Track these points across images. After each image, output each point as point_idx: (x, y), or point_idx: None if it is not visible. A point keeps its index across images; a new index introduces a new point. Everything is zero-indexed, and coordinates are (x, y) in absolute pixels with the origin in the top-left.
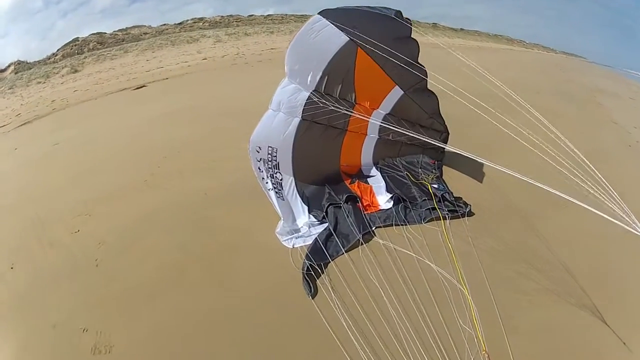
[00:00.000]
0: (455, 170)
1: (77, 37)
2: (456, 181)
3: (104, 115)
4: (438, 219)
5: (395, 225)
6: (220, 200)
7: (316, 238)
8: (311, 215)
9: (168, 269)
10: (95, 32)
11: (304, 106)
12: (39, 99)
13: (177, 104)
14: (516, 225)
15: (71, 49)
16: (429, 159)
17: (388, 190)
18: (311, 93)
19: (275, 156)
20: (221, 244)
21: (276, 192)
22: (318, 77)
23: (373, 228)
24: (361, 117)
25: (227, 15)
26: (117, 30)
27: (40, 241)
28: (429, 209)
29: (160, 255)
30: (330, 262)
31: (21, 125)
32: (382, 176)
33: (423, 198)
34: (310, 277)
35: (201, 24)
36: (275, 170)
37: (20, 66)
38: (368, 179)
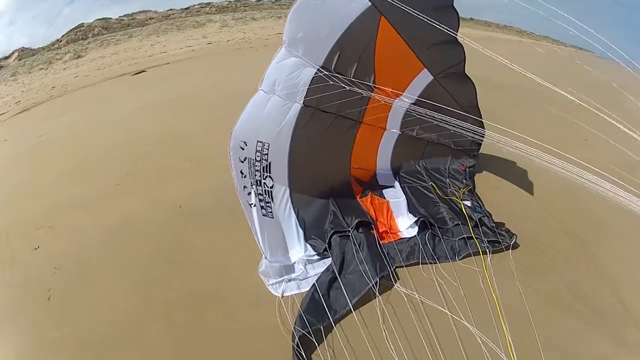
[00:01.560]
0: (490, 175)
1: (82, 23)
2: (490, 193)
3: (98, 103)
4: (476, 253)
5: (421, 263)
6: (196, 218)
7: (315, 285)
8: (309, 245)
9: (123, 319)
10: (100, 17)
11: (308, 86)
12: (40, 85)
13: (174, 91)
14: (577, 260)
15: (75, 34)
16: (459, 164)
17: (411, 209)
18: (318, 69)
19: (267, 154)
20: (190, 290)
21: (262, 207)
22: (328, 51)
23: (393, 268)
24: (382, 99)
25: (235, 0)
26: (122, 16)
27: (2, 257)
28: (463, 238)
29: (116, 297)
30: (332, 323)
31: (18, 113)
32: (402, 188)
33: (455, 222)
34: (303, 352)
35: (208, 8)
36: (265, 174)
37: (24, 53)
38: (384, 192)
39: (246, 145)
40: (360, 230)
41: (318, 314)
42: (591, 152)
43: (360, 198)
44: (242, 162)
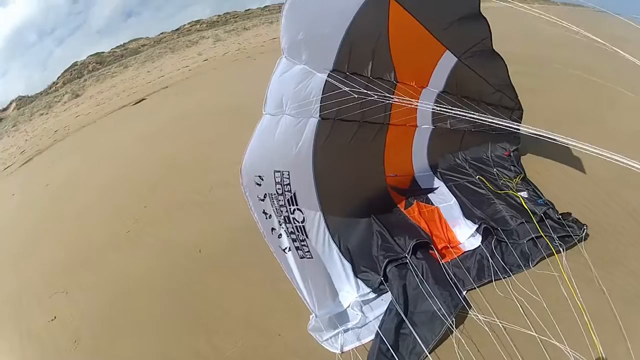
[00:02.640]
0: (536, 158)
1: (76, 62)
2: (545, 178)
3: (100, 140)
4: (550, 254)
5: (495, 280)
6: (219, 265)
7: (379, 333)
8: (360, 282)
9: None
10: (93, 53)
11: (322, 96)
12: (42, 131)
13: (173, 115)
14: None
15: (71, 74)
16: (502, 149)
17: (466, 214)
18: (330, 74)
19: (288, 184)
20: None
21: (297, 249)
22: (336, 50)
23: (464, 293)
24: (407, 102)
25: (224, 14)
26: (114, 48)
27: (19, 328)
28: (532, 239)
29: None
30: None
31: (24, 163)
32: (449, 188)
33: (518, 220)
34: None
35: (198, 26)
36: (292, 208)
37: (22, 101)
38: (430, 197)
39: (262, 179)
40: (419, 254)
41: None
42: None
43: (405, 209)
44: (262, 200)
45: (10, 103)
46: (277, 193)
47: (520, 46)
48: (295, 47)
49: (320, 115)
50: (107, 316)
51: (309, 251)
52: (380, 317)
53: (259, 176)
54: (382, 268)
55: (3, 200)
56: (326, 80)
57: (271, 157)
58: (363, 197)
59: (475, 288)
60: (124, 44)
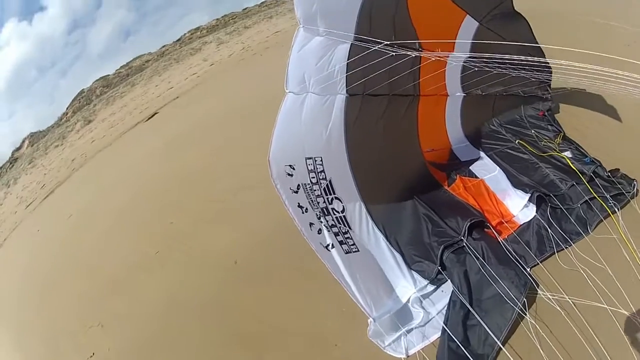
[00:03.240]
0: (570, 115)
1: (82, 89)
2: (583, 134)
3: (117, 162)
4: (606, 216)
5: (557, 251)
6: (257, 275)
7: (445, 330)
8: (415, 274)
9: None
10: (98, 78)
11: (347, 70)
12: (60, 162)
13: (186, 125)
14: None
15: (79, 102)
16: (535, 110)
17: (514, 183)
18: (353, 42)
19: (322, 171)
20: None
21: (342, 243)
22: (356, 18)
23: (529, 270)
24: (435, 57)
25: (222, 16)
26: (119, 68)
27: None
28: (586, 202)
29: None
30: None
31: (45, 197)
32: (490, 157)
33: (568, 183)
34: None
35: (199, 33)
36: (329, 197)
37: (35, 137)
38: (473, 169)
39: (294, 169)
40: (475, 235)
41: None
42: None
43: (449, 187)
44: (296, 192)
45: (23, 141)
46: (312, 182)
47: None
48: (311, 18)
49: (347, 91)
50: (147, 347)
51: (354, 244)
52: (444, 312)
53: (290, 165)
54: (438, 256)
55: (28, 238)
56: (350, 47)
57: (301, 143)
58: (402, 177)
59: (538, 263)
60: (127, 63)
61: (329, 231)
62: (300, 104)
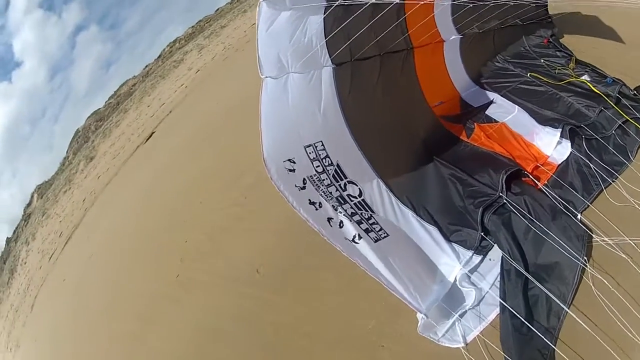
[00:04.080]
0: (576, 37)
1: (78, 129)
2: (595, 54)
3: (125, 191)
4: None
5: (604, 187)
6: (285, 279)
7: (504, 307)
8: (458, 246)
9: None
10: (90, 114)
11: (326, 37)
12: (72, 206)
13: (184, 136)
14: None
15: (77, 142)
16: (538, 38)
17: (539, 120)
18: (327, 4)
19: (327, 156)
20: None
21: (368, 231)
22: None
23: (579, 217)
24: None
25: (197, 23)
26: (108, 99)
27: None
28: (619, 127)
29: None
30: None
31: (65, 244)
32: (505, 96)
33: (595, 109)
34: None
35: (178, 44)
36: (342, 183)
37: (42, 189)
38: (490, 114)
39: (294, 162)
40: (514, 188)
41: (533, 347)
42: None
43: (468, 138)
44: (303, 188)
45: (32, 196)
46: (318, 172)
47: None
48: None
49: (332, 61)
50: None
51: (381, 229)
52: (498, 284)
53: (289, 159)
54: (478, 220)
55: (56, 289)
56: (324, 11)
57: (295, 131)
58: (416, 140)
59: (589, 205)
60: (115, 92)
61: (351, 221)
62: (283, 88)
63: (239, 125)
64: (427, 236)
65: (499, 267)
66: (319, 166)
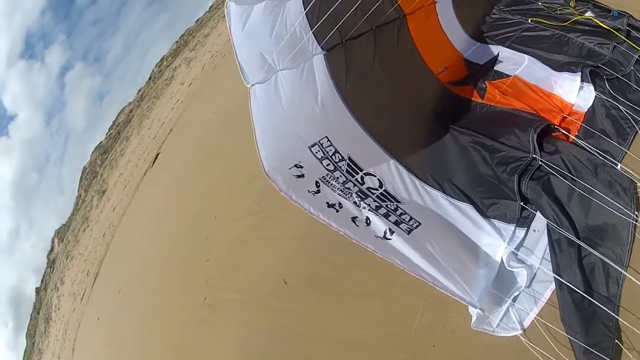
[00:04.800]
0: None
1: (84, 166)
2: None
3: (141, 219)
4: None
5: (639, 129)
6: (315, 286)
7: (558, 281)
8: (497, 222)
9: None
10: (93, 149)
11: (310, 22)
12: (93, 243)
13: (190, 150)
14: None
15: (86, 179)
16: None
17: (553, 66)
18: None
19: (336, 152)
20: None
21: (398, 223)
22: None
23: (618, 167)
24: None
25: (180, 37)
26: (108, 131)
27: None
28: (637, 61)
29: None
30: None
31: (93, 282)
32: (510, 47)
33: (609, 46)
34: None
35: (165, 62)
36: (358, 177)
37: (61, 232)
38: (498, 69)
39: (301, 166)
40: (547, 147)
41: (597, 322)
42: None
43: (483, 99)
44: (317, 192)
45: (52, 241)
46: (330, 171)
47: None
48: None
49: (322, 47)
50: None
51: (411, 219)
52: (548, 257)
53: (296, 165)
54: (515, 189)
55: (93, 329)
56: None
57: (295, 133)
58: (427, 112)
59: (626, 152)
60: (113, 122)
61: (378, 216)
62: (274, 90)
63: (238, 131)
64: (462, 217)
65: (546, 237)
66: (329, 164)
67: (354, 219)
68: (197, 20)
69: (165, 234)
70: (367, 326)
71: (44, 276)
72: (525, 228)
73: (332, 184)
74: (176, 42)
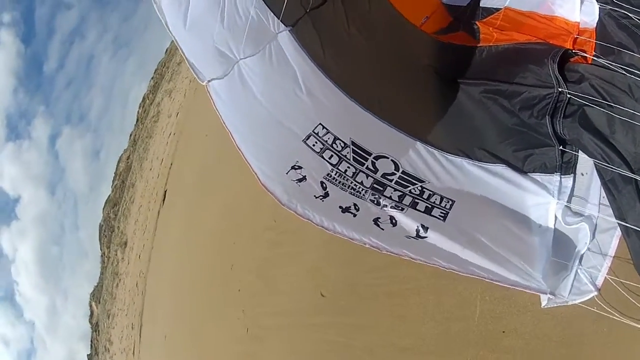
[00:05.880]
0: None
1: (100, 224)
2: None
3: (166, 259)
4: None
5: None
6: (354, 294)
7: (624, 227)
8: (534, 175)
9: None
10: (103, 205)
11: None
12: (129, 295)
13: (195, 177)
14: None
15: (106, 236)
16: None
17: None
18: None
19: (335, 139)
20: None
21: (430, 210)
22: None
23: None
24: None
25: (155, 72)
26: (113, 183)
27: None
28: None
29: None
30: None
31: (140, 334)
32: None
33: None
34: None
35: (147, 100)
36: (368, 163)
37: (96, 294)
38: (485, 4)
39: (300, 167)
40: (570, 76)
41: None
42: None
43: (480, 43)
44: (326, 195)
45: (90, 306)
46: (334, 164)
47: None
48: None
49: (285, 23)
50: None
51: (442, 198)
52: (606, 202)
53: (293, 167)
54: (550, 132)
55: None
56: None
57: (283, 127)
58: (421, 70)
59: None
60: (115, 173)
61: (403, 210)
62: (240, 82)
63: (233, 146)
64: (498, 181)
65: (597, 179)
66: (332, 156)
67: (376, 221)
68: (166, 50)
69: (192, 271)
70: (424, 326)
71: (91, 341)
72: (572, 174)
73: (340, 182)
74: (152, 77)
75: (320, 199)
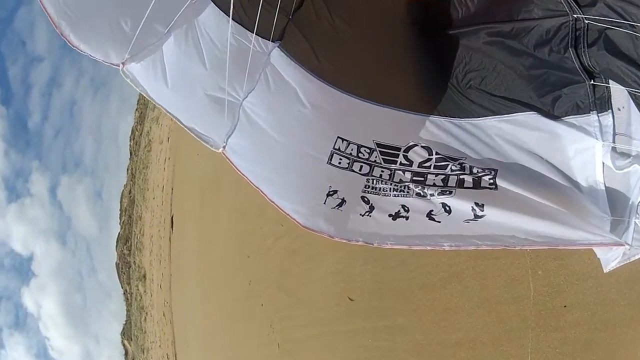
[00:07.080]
0: None
1: (116, 262)
2: None
3: (187, 284)
4: None
5: None
6: (385, 293)
7: None
8: (570, 119)
9: None
10: (115, 244)
11: (244, 21)
12: (158, 328)
13: (195, 200)
14: None
15: (124, 273)
16: None
17: None
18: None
19: (361, 146)
20: None
21: (478, 185)
22: None
23: None
24: None
25: (137, 102)
26: (120, 220)
27: None
28: None
29: None
30: None
31: None
32: None
33: None
34: None
35: (137, 132)
36: (399, 158)
37: (126, 332)
38: None
39: (335, 191)
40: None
41: None
42: None
43: (479, 22)
44: (371, 210)
45: (123, 344)
46: (367, 174)
47: None
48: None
49: (272, 39)
50: None
51: (484, 169)
52: None
53: (328, 194)
54: (577, 66)
55: None
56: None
57: (306, 156)
58: (417, 37)
59: None
60: (120, 209)
61: (451, 193)
62: (250, 125)
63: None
64: (532, 133)
65: (636, 111)
66: (362, 167)
67: (430, 214)
68: None
69: (213, 292)
70: (472, 316)
71: None
72: (609, 110)
73: (380, 188)
74: (136, 109)
75: (367, 215)
